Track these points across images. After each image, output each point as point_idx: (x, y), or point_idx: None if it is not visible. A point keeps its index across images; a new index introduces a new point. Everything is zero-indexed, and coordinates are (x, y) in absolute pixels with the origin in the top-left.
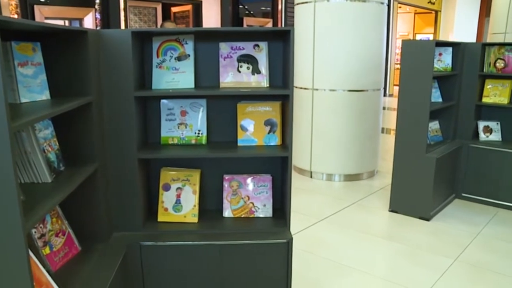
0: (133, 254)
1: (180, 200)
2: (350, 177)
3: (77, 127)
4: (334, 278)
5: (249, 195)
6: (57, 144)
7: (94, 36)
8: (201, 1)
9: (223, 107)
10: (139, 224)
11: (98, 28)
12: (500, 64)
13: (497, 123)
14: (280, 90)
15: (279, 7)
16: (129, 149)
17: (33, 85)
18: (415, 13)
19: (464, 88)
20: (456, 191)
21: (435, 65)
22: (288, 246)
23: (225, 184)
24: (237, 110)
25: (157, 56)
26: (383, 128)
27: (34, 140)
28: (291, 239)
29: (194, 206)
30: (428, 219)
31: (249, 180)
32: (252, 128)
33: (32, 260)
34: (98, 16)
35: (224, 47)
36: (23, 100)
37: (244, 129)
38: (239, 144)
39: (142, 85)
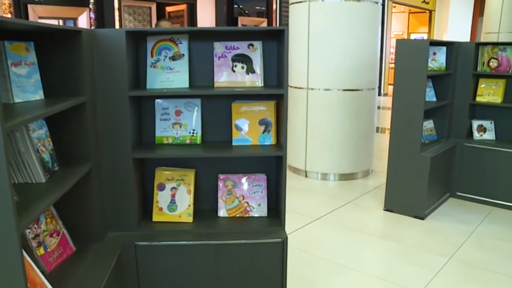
0: (128, 254)
1: (175, 199)
2: (345, 177)
3: (71, 127)
4: (329, 277)
5: (244, 195)
6: (51, 144)
7: (88, 36)
8: (196, 1)
9: (218, 106)
10: (134, 224)
11: (92, 27)
12: (493, 64)
13: (491, 122)
14: (275, 90)
15: (274, 6)
16: (123, 149)
17: (26, 85)
18: (409, 13)
19: (458, 87)
20: (450, 190)
21: (430, 65)
22: (283, 246)
23: (220, 184)
24: (231, 109)
25: (152, 56)
26: (377, 128)
27: (28, 140)
28: (286, 238)
29: (189, 205)
30: (422, 218)
31: (244, 179)
32: (247, 128)
33: (26, 261)
34: (92, 15)
35: (219, 47)
36: (17, 100)
37: (238, 128)
38: (233, 143)
39: (136, 84)
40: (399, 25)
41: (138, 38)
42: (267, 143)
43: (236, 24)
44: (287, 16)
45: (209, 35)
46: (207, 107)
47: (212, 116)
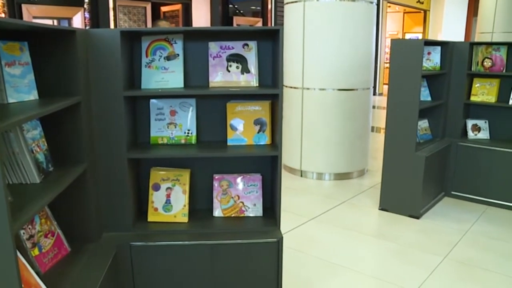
0: (123, 255)
1: (170, 200)
2: (340, 176)
3: (66, 127)
4: (324, 276)
5: (239, 195)
6: (46, 144)
7: (82, 36)
8: (191, 1)
9: (213, 106)
10: (129, 224)
11: (87, 27)
12: (487, 63)
13: (485, 122)
14: (270, 90)
15: (269, 6)
16: (118, 149)
17: (20, 85)
18: (404, 13)
19: (453, 86)
20: (445, 189)
21: (424, 64)
22: (278, 245)
23: (215, 184)
24: (226, 109)
25: (146, 56)
26: (373, 127)
27: (22, 141)
28: (282, 238)
29: (184, 206)
30: (417, 217)
31: (239, 179)
32: (242, 128)
33: (20, 262)
34: (87, 15)
35: (214, 47)
36: (11, 100)
37: (233, 128)
38: (228, 143)
39: (131, 84)
40: (394, 25)
41: (133, 38)
42: (262, 143)
43: (231, 24)
44: (282, 16)
45: (204, 35)
46: (202, 107)
47: (207, 116)
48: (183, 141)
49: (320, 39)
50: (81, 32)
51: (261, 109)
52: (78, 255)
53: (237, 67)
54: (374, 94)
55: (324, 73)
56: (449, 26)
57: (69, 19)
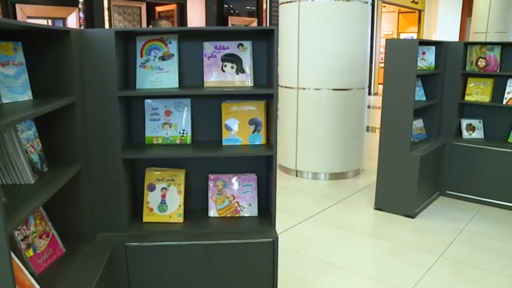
0: (118, 255)
1: (165, 200)
2: (336, 176)
3: (60, 127)
4: (320, 276)
5: (234, 195)
6: (40, 145)
7: (77, 36)
8: (186, 1)
9: (208, 106)
10: (124, 224)
11: (82, 27)
12: (481, 63)
13: (480, 121)
14: (264, 90)
15: (264, 6)
16: (113, 150)
17: (14, 85)
18: (399, 13)
19: (447, 86)
20: (440, 189)
21: (419, 64)
22: (273, 245)
23: (210, 184)
24: (221, 109)
25: (141, 56)
26: (368, 127)
27: (16, 141)
28: (277, 238)
29: (179, 206)
30: (413, 217)
31: (234, 179)
32: (237, 128)
33: (14, 263)
34: (81, 15)
35: (208, 47)
36: (5, 101)
37: (228, 128)
38: (223, 143)
39: (126, 85)
40: (388, 25)
41: (128, 38)
42: (257, 143)
43: (226, 24)
44: (277, 16)
45: (198, 35)
46: (197, 107)
47: (202, 116)
48: (178, 141)
49: (315, 39)
50: (75, 32)
51: (256, 109)
52: (73, 256)
53: (232, 67)
54: (369, 94)
55: (319, 73)
56: (444, 26)
57: (64, 19)
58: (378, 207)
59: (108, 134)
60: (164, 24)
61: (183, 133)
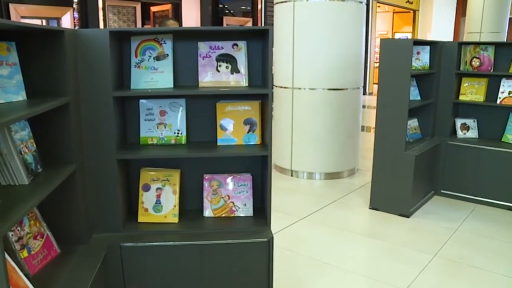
0: (113, 255)
1: (160, 200)
2: (331, 176)
3: (55, 128)
4: (315, 276)
5: (229, 195)
6: (34, 145)
7: (71, 36)
8: (181, 1)
9: (202, 106)
10: (119, 225)
11: (76, 27)
12: (475, 63)
13: (474, 121)
14: (259, 89)
15: (259, 6)
16: (108, 150)
17: (8, 86)
18: (393, 12)
19: (442, 86)
20: (435, 188)
21: (413, 64)
22: (269, 245)
23: (205, 184)
24: (216, 109)
25: (136, 56)
26: (363, 126)
27: (10, 142)
28: (272, 238)
29: (174, 206)
30: (408, 216)
31: (229, 179)
32: (232, 128)
33: (9, 264)
34: (76, 15)
35: (203, 47)
36: None
37: (223, 128)
38: (218, 143)
39: (120, 85)
40: (383, 25)
41: (122, 38)
42: (252, 143)
43: (221, 24)
44: (272, 16)
45: (193, 35)
46: (192, 107)
47: (197, 116)
48: (173, 141)
49: (310, 39)
50: (69, 32)
51: (251, 109)
52: (68, 257)
53: (227, 67)
54: (364, 93)
55: (314, 73)
56: (438, 26)
57: (58, 19)
58: (373, 207)
59: (102, 134)
60: (172, 24)
61: (178, 133)
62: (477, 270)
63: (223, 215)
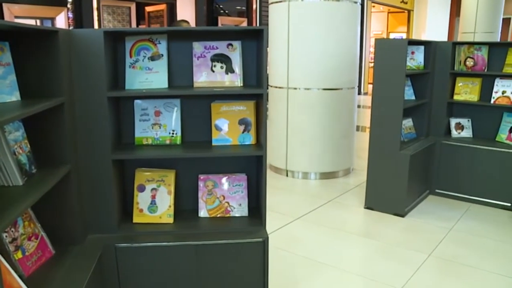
0: (108, 256)
1: (155, 200)
2: (326, 175)
3: (49, 128)
4: (310, 275)
5: (224, 195)
6: (28, 146)
7: (65, 36)
8: (176, 1)
9: (197, 106)
10: (114, 225)
11: (70, 27)
12: (469, 63)
13: (468, 120)
14: (254, 89)
15: (254, 6)
16: (102, 150)
17: (2, 86)
18: (388, 12)
19: (436, 86)
20: (430, 187)
21: (408, 64)
22: (264, 245)
23: (200, 184)
24: (211, 109)
25: (130, 56)
26: (358, 126)
27: (4, 142)
28: (267, 238)
29: (170, 206)
30: (403, 216)
31: (224, 179)
32: (227, 128)
33: (3, 265)
34: (70, 15)
35: (198, 47)
36: None
37: (218, 128)
38: (213, 143)
39: (115, 85)
40: (378, 25)
41: (117, 38)
42: (247, 143)
43: (216, 24)
44: (267, 16)
45: (188, 35)
46: (187, 107)
47: (191, 116)
48: (167, 142)
49: (305, 39)
50: (64, 32)
51: (245, 109)
52: (62, 258)
53: (222, 67)
54: (359, 93)
55: (309, 73)
56: (433, 26)
57: (52, 19)
58: (368, 206)
59: (97, 135)
60: (185, 26)
61: (172, 134)
62: (472, 269)
63: (218, 215)
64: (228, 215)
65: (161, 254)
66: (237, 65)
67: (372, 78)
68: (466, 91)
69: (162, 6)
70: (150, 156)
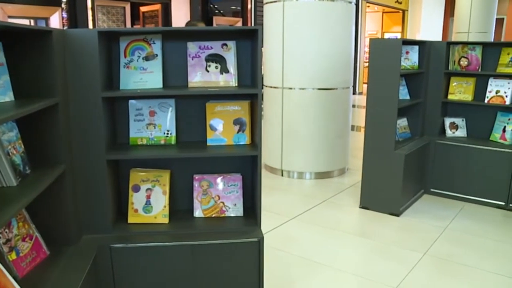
0: (103, 257)
1: (150, 201)
2: (321, 175)
3: (43, 129)
4: (306, 275)
5: (219, 195)
6: (22, 146)
7: (59, 36)
8: (170, 1)
9: (192, 107)
10: (109, 226)
11: (65, 27)
12: (464, 62)
13: (463, 120)
14: (249, 89)
15: (249, 6)
16: (97, 151)
17: None
18: (383, 12)
19: (431, 85)
20: (424, 187)
21: (403, 63)
22: (259, 245)
23: (195, 184)
24: (206, 109)
25: (125, 56)
26: (353, 126)
27: None
28: (262, 238)
29: (165, 206)
30: (398, 215)
31: (219, 179)
32: (221, 128)
33: None
34: (64, 15)
35: (192, 47)
36: None
37: (213, 128)
38: (208, 143)
39: (109, 85)
40: (373, 25)
41: (111, 38)
42: (242, 143)
43: (211, 24)
44: (262, 16)
45: (182, 35)
46: (181, 107)
47: (186, 116)
48: (162, 142)
49: (300, 39)
50: (58, 32)
51: (240, 109)
52: (57, 258)
53: (216, 67)
54: (354, 93)
55: (304, 73)
56: (427, 26)
57: (46, 19)
58: (363, 206)
59: (92, 135)
60: (200, 26)
61: (167, 134)
62: (467, 268)
63: (213, 215)
64: (223, 215)
65: (156, 254)
66: (231, 65)
67: (367, 78)
68: (460, 91)
69: (157, 6)
70: (145, 156)
